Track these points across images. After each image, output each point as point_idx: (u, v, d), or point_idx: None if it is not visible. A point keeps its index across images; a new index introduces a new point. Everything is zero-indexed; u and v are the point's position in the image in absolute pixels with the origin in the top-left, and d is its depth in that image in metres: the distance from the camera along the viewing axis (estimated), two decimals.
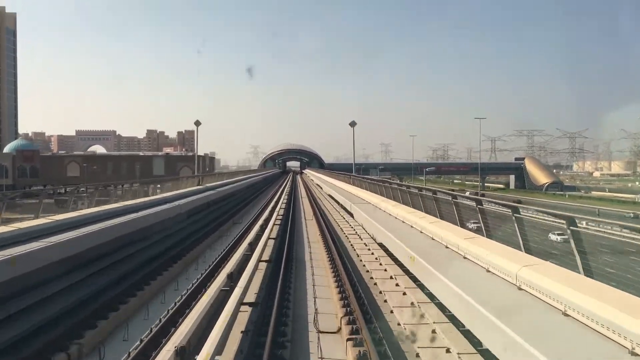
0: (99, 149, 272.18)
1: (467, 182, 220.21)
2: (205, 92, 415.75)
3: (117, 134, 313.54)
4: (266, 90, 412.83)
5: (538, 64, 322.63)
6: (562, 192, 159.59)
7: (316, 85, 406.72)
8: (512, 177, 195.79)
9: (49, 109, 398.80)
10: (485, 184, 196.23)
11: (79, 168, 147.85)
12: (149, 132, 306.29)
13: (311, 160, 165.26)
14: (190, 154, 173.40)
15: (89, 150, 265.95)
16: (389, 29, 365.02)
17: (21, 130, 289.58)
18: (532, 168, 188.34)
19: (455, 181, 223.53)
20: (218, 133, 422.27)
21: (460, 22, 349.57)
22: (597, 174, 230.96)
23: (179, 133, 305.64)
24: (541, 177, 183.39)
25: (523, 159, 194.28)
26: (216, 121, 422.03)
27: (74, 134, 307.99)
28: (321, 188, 53.72)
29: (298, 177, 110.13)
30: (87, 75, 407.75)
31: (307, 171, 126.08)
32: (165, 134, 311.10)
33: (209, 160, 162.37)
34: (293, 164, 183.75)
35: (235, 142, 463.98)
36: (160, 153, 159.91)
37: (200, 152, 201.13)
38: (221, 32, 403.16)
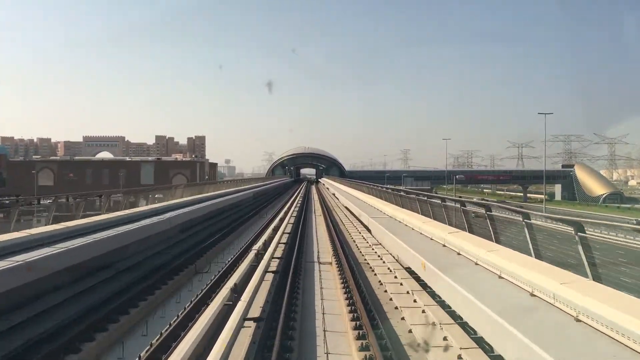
0: (106, 155, 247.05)
1: (498, 192, 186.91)
2: (218, 99, 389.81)
3: (125, 140, 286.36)
4: (279, 98, 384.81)
5: (555, 68, 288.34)
6: (627, 205, 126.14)
7: (327, 94, 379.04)
8: (557, 187, 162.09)
9: (58, 115, 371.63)
10: (528, 195, 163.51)
11: (53, 176, 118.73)
12: (158, 138, 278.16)
13: (329, 166, 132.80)
14: (190, 159, 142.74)
15: (97, 156, 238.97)
16: (401, 36, 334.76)
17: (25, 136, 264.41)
18: (584, 176, 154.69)
19: (485, 190, 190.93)
20: (234, 141, 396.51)
21: (466, 29, 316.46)
22: (632, 182, 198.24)
23: (189, 139, 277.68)
24: (596, 187, 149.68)
25: (572, 166, 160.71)
26: (231, 129, 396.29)
27: (81, 140, 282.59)
28: (369, 231, 20.84)
29: (313, 188, 78.38)
30: (97, 82, 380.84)
31: (324, 180, 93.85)
32: (175, 139, 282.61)
33: (209, 167, 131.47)
34: (308, 172, 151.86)
35: (251, 150, 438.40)
36: (150, 158, 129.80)
37: (214, 160, 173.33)
38: (232, 42, 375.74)
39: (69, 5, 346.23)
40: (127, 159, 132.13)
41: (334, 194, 53.49)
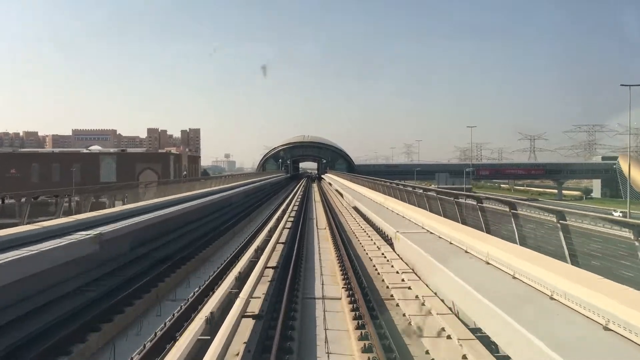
0: (97, 149, 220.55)
1: (518, 188, 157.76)
2: (217, 94, 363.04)
3: (117, 133, 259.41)
4: (278, 92, 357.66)
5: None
6: None
7: (327, 89, 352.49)
8: (596, 182, 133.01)
9: (48, 109, 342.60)
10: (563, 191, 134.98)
11: None
12: (150, 130, 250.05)
13: (334, 159, 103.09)
14: (166, 151, 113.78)
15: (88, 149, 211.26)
16: (401, 30, 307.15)
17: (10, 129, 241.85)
18: (631, 170, 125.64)
19: (502, 186, 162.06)
20: (234, 136, 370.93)
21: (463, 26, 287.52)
22: None
23: (183, 132, 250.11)
24: None
25: (615, 157, 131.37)
26: (232, 123, 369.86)
27: (70, 133, 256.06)
28: None
29: (314, 191, 48.65)
30: (89, 75, 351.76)
31: (331, 178, 64.48)
32: (169, 132, 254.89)
33: (189, 161, 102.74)
34: (308, 166, 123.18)
35: (251, 145, 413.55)
36: (112, 150, 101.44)
37: (214, 156, 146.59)
38: (228, 35, 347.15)
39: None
40: (84, 150, 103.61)
41: (355, 209, 24.92)
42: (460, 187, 79.28)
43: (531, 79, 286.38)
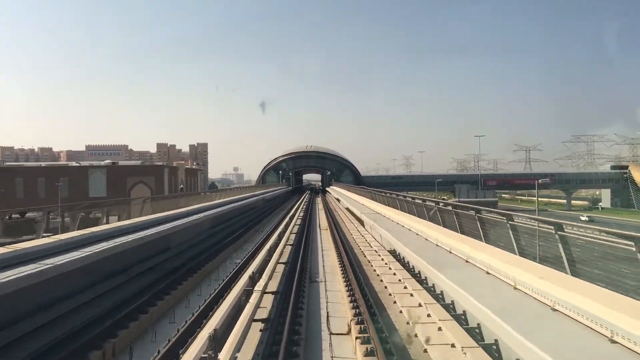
0: (107, 164, 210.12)
1: (520, 197, 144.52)
2: (227, 110, 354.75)
3: (129, 148, 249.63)
4: (285, 105, 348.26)
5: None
6: None
7: (329, 103, 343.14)
8: (605, 192, 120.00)
9: (63, 125, 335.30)
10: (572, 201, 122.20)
11: None
12: (160, 145, 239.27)
13: (339, 170, 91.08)
14: (162, 164, 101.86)
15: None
16: (395, 48, 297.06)
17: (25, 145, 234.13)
18: None
19: (503, 195, 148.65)
20: (243, 149, 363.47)
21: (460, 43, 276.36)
22: None
23: (191, 146, 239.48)
24: None
25: (625, 167, 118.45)
26: (240, 138, 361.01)
27: (84, 149, 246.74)
28: None
29: (319, 208, 35.91)
30: (101, 91, 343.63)
31: (338, 191, 52.16)
32: (178, 147, 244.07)
33: (188, 174, 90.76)
34: (312, 177, 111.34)
35: (260, 158, 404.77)
36: (102, 163, 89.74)
37: (224, 169, 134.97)
38: (238, 55, 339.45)
39: (75, 20, 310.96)
40: (74, 163, 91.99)
41: (393, 254, 13.09)
42: (490, 202, 67.43)
43: (525, 93, 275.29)
